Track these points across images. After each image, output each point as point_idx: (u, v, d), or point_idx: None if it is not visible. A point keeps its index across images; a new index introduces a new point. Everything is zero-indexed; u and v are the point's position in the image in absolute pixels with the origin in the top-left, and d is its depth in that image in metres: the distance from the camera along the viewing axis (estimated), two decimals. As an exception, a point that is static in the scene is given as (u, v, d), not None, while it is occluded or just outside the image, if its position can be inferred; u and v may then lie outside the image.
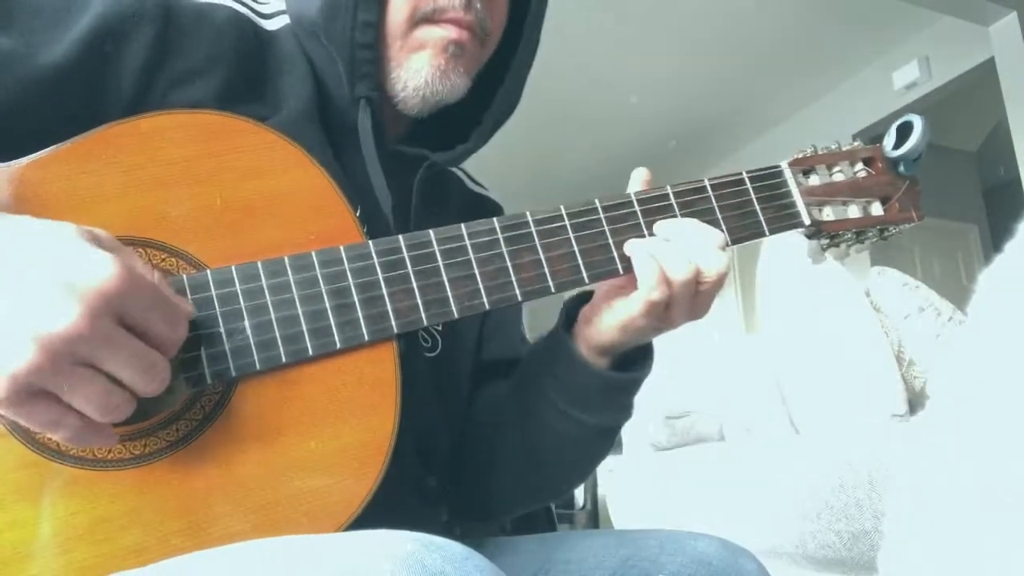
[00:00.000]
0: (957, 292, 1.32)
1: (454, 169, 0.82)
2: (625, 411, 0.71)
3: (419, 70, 0.65)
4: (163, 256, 0.52)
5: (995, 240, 4.88)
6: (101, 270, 0.41)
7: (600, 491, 4.42)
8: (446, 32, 0.65)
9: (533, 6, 0.72)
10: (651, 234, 0.63)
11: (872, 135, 4.35)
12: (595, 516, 4.20)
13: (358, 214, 0.58)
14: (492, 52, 0.72)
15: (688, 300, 0.61)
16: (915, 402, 1.72)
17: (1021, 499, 0.39)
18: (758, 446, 1.85)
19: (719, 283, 0.61)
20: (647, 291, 0.60)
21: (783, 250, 1.93)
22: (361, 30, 0.63)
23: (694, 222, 0.63)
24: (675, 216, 0.64)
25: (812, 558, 1.58)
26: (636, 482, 2.13)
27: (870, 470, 1.44)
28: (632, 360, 0.68)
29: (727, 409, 1.99)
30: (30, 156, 0.51)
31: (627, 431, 2.20)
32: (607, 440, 0.73)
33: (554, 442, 0.70)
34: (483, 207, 0.83)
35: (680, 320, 0.63)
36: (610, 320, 0.64)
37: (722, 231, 0.64)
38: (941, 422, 0.47)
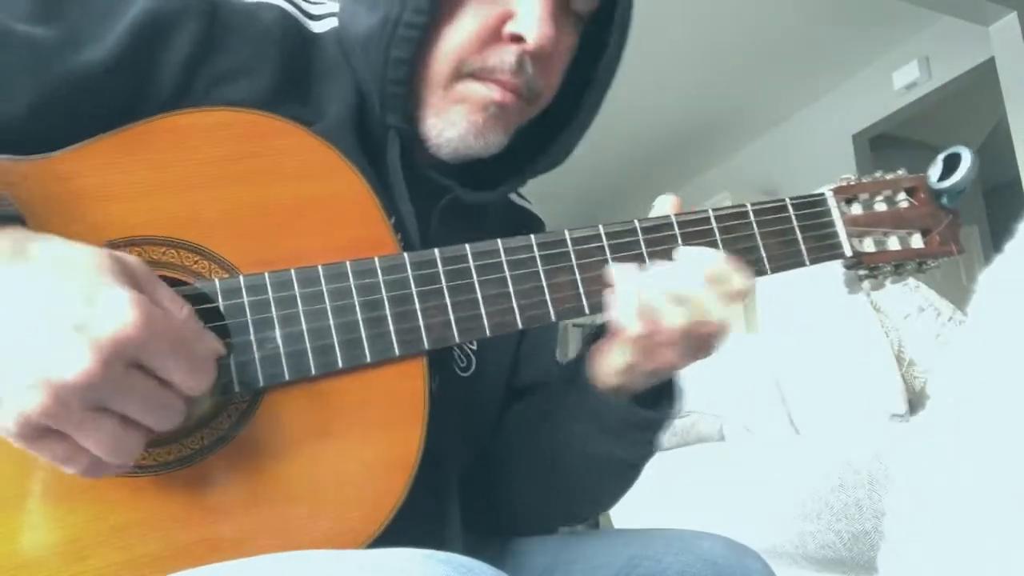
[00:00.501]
0: (957, 292, 1.32)
1: None
2: (647, 447, 0.68)
3: (455, 123, 0.63)
4: (196, 258, 0.51)
5: (995, 240, 4.88)
6: (118, 315, 0.40)
7: (600, 491, 4.41)
8: (490, 92, 0.63)
9: (599, 73, 0.69)
10: None
11: (872, 135, 4.36)
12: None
13: (392, 222, 0.58)
14: (542, 109, 0.69)
15: (686, 343, 0.58)
16: (915, 402, 1.72)
17: (1021, 499, 0.39)
18: (758, 446, 1.85)
19: (721, 333, 0.58)
20: (624, 328, 0.58)
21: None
22: (393, 66, 0.61)
23: (713, 258, 0.59)
24: (715, 239, 0.62)
25: (812, 558, 1.58)
26: (636, 482, 2.13)
27: (870, 470, 1.44)
28: (657, 398, 0.66)
29: (727, 409, 1.99)
30: (64, 148, 0.50)
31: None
32: (627, 474, 0.71)
33: (575, 465, 0.68)
34: (525, 222, 0.81)
35: (680, 363, 0.60)
36: (615, 361, 0.62)
37: (761, 258, 0.63)
38: (941, 422, 0.47)
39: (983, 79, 3.87)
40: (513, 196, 0.82)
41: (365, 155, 0.63)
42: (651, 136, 5.11)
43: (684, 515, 1.90)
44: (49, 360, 0.39)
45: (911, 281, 1.95)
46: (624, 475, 0.70)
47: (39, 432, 0.40)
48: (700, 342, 0.59)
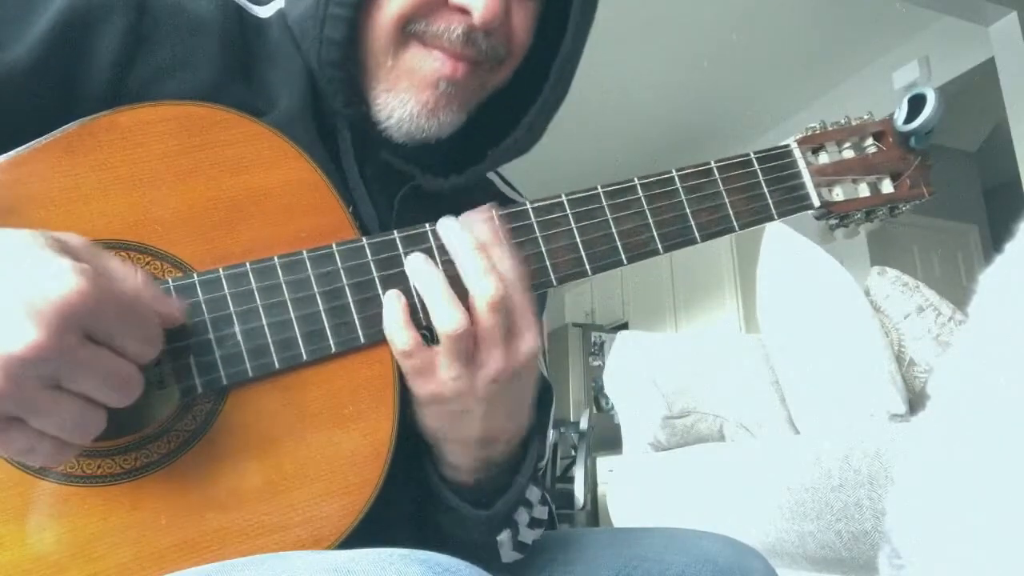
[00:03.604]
0: (957, 292, 1.32)
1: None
2: (479, 534, 0.61)
3: (405, 103, 0.60)
4: (147, 259, 0.50)
5: (995, 240, 4.88)
6: (60, 283, 0.38)
7: (600, 491, 4.42)
8: (438, 65, 0.59)
9: (566, 46, 0.63)
10: (654, 220, 0.59)
11: (872, 135, 4.37)
12: (595, 516, 4.20)
13: (350, 211, 0.56)
14: (509, 77, 0.64)
15: (456, 360, 0.52)
16: (915, 402, 1.72)
17: (1021, 498, 0.39)
18: (758, 446, 1.85)
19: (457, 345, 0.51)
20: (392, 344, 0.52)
21: (782, 250, 1.93)
22: (327, 47, 0.58)
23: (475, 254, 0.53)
24: (680, 200, 0.60)
25: (812, 558, 1.58)
26: (636, 482, 2.13)
27: (870, 470, 1.44)
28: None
29: (727, 409, 1.99)
30: (1, 156, 0.48)
31: (627, 431, 2.20)
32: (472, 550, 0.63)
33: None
34: None
35: (454, 387, 0.52)
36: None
37: (728, 215, 0.61)
38: (941, 422, 0.47)
39: (983, 79, 3.87)
40: (500, 184, 0.78)
41: (323, 143, 0.61)
42: (651, 136, 5.11)
43: (684, 515, 1.90)
44: None
45: (911, 281, 1.94)
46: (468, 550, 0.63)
47: None
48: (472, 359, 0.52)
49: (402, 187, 0.65)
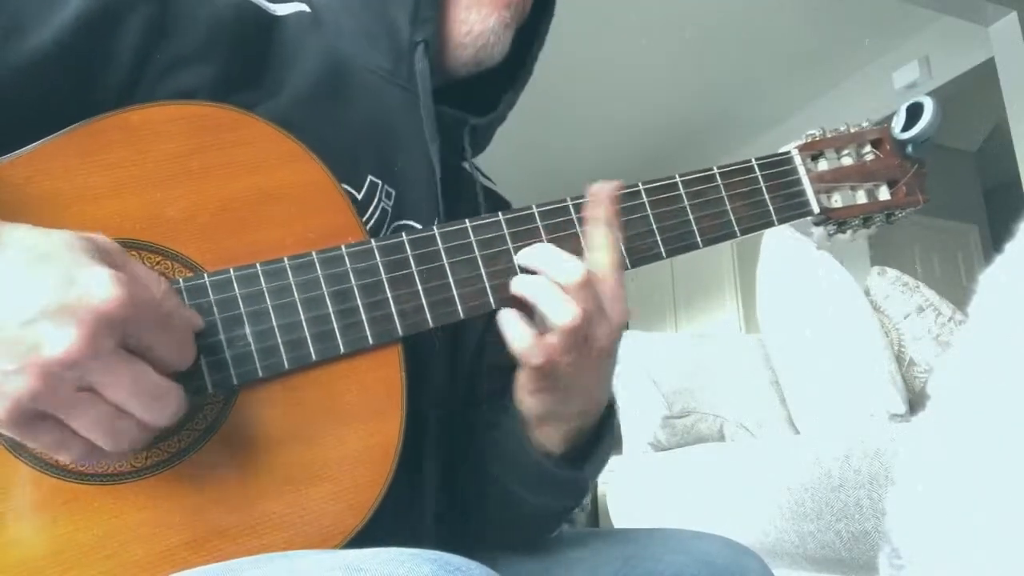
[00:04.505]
0: (957, 292, 1.32)
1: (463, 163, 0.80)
2: (562, 501, 0.65)
3: (487, 16, 0.67)
4: (158, 259, 0.50)
5: (995, 240, 4.88)
6: (101, 290, 0.40)
7: (600, 491, 4.42)
8: None
9: (551, 10, 0.74)
10: (658, 225, 0.61)
11: (872, 135, 4.37)
12: (595, 516, 4.20)
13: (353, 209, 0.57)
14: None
15: (577, 346, 0.55)
16: (915, 402, 1.72)
17: (1021, 498, 0.39)
18: (758, 446, 1.85)
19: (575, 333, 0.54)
20: (522, 356, 0.55)
21: (782, 250, 1.93)
22: None
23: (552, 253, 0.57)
24: (683, 205, 0.62)
25: (812, 558, 1.58)
26: (636, 482, 2.13)
27: (870, 470, 1.44)
28: (582, 451, 0.64)
29: (727, 409, 1.99)
30: (11, 154, 0.48)
31: (627, 431, 2.20)
32: (544, 521, 0.69)
33: (494, 496, 0.66)
34: (494, 202, 0.80)
35: (576, 371, 0.56)
36: (522, 378, 0.59)
37: (730, 220, 0.63)
38: (941, 422, 0.47)
39: (983, 79, 3.87)
40: (482, 178, 0.81)
41: (350, 118, 0.63)
42: (651, 136, 5.11)
43: (684, 515, 1.90)
44: (34, 342, 0.38)
45: (911, 281, 1.95)
46: (541, 521, 0.68)
47: (30, 417, 0.40)
48: (591, 340, 0.56)
49: (449, 132, 0.69)
